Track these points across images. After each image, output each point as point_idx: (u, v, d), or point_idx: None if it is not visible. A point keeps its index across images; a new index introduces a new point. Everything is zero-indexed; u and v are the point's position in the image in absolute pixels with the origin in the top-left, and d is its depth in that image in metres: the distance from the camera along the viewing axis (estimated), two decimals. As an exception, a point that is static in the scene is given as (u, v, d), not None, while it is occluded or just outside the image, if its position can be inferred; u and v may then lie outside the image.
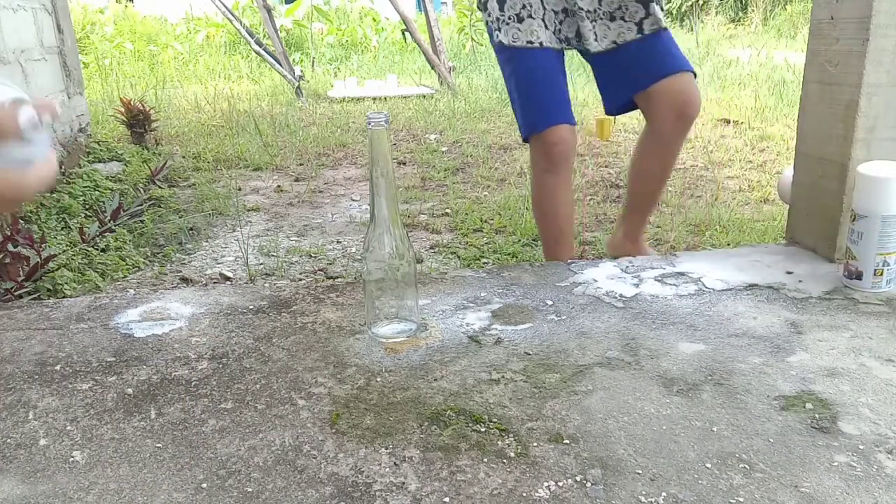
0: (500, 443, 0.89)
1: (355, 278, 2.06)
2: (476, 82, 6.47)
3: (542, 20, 1.34)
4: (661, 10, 1.45)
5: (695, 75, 1.54)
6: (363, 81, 6.46)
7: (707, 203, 2.88)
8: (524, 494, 0.80)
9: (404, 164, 3.69)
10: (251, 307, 1.31)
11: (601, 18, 1.38)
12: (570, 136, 1.42)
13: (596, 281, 1.39)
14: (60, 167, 2.71)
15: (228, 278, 2.24)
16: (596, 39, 1.39)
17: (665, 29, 1.46)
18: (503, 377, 1.04)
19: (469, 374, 1.05)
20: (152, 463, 0.87)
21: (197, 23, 9.55)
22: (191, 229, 2.68)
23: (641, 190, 1.67)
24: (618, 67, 1.46)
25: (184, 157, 3.89)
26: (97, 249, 2.28)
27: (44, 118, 0.67)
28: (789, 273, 1.42)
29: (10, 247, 1.79)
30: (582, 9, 1.36)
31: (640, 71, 1.45)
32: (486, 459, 0.86)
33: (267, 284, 1.40)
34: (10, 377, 1.08)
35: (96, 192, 2.80)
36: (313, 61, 7.97)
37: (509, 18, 1.38)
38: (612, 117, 4.46)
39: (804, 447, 0.87)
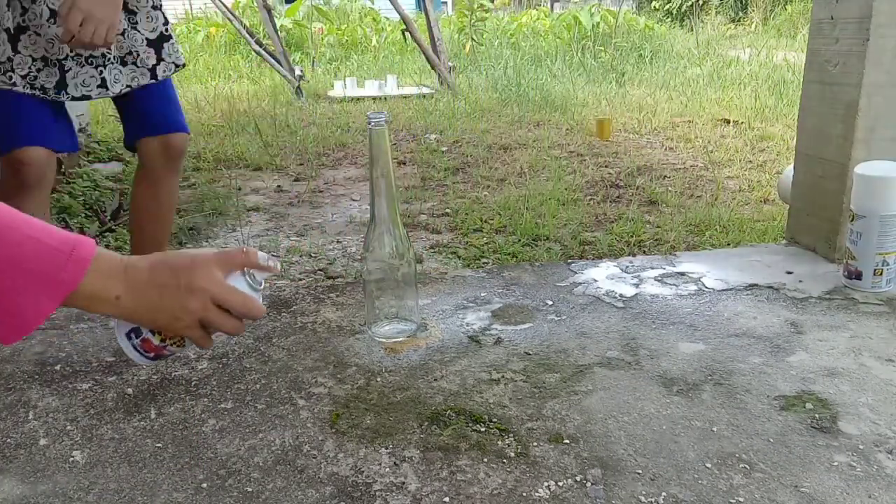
0: (500, 443, 0.89)
1: (355, 278, 2.06)
2: (476, 82, 6.47)
3: (19, 66, 1.39)
4: (176, 51, 1.54)
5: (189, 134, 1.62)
6: (363, 81, 6.46)
7: (707, 203, 2.88)
8: (524, 494, 0.80)
9: (404, 164, 3.69)
10: (251, 307, 1.30)
11: (112, 63, 1.45)
12: (42, 159, 1.43)
13: (596, 281, 1.39)
14: (60, 167, 2.71)
15: (228, 278, 2.24)
16: (106, 86, 1.45)
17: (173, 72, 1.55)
18: (503, 377, 1.04)
19: (469, 374, 1.05)
20: (152, 463, 0.87)
21: (197, 23, 9.55)
22: (191, 229, 2.68)
23: (141, 227, 1.70)
24: (134, 109, 1.55)
25: (184, 156, 3.88)
26: (97, 249, 2.27)
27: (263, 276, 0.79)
28: (789, 273, 1.42)
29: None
30: (79, 55, 1.41)
31: (150, 118, 1.55)
32: (486, 459, 0.86)
33: (267, 284, 1.40)
34: (10, 377, 1.08)
35: (96, 192, 2.80)
36: (313, 61, 7.97)
37: None
38: (611, 117, 4.46)
39: (804, 447, 0.87)
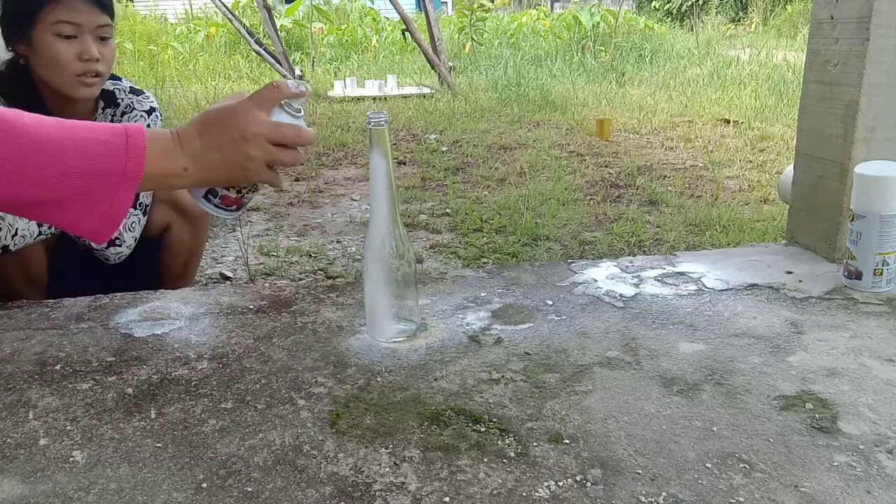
0: (500, 443, 0.89)
1: (355, 278, 2.06)
2: (476, 82, 6.47)
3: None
4: None
5: None
6: (363, 81, 6.46)
7: (707, 203, 2.88)
8: (524, 494, 0.80)
9: (404, 164, 3.69)
10: (251, 307, 1.30)
11: None
12: None
13: (596, 281, 1.39)
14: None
15: (228, 278, 2.25)
16: None
17: None
18: (503, 377, 1.04)
19: (469, 374, 1.05)
20: (152, 463, 0.87)
21: (197, 22, 9.55)
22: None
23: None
24: None
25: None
26: (97, 249, 2.28)
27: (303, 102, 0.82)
28: (789, 273, 1.42)
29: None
30: None
31: None
32: (486, 459, 0.86)
33: (267, 284, 1.40)
34: (10, 377, 1.08)
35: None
36: (313, 61, 7.97)
37: None
38: (611, 117, 4.46)
39: (804, 447, 0.87)
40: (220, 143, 0.75)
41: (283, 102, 0.80)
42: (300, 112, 0.81)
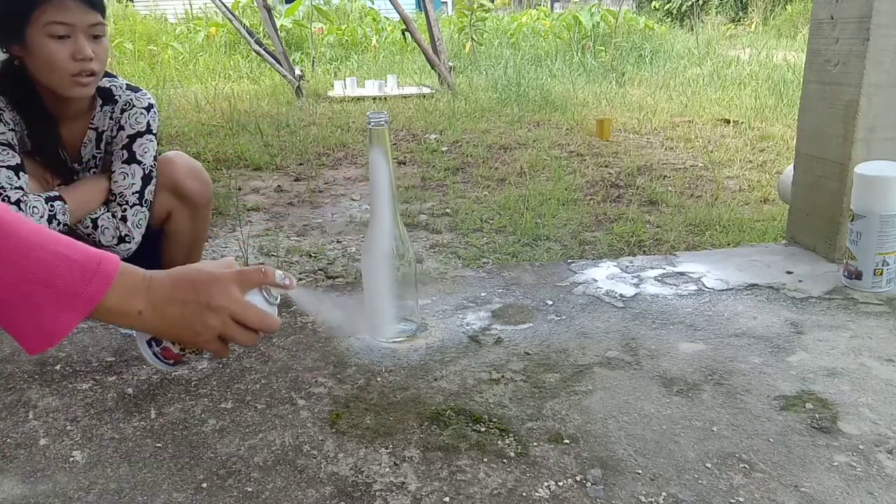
0: (500, 443, 0.89)
1: (355, 278, 2.06)
2: (476, 82, 6.47)
3: None
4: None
5: None
6: (363, 81, 6.46)
7: (707, 203, 2.88)
8: (524, 494, 0.80)
9: (404, 163, 3.69)
10: (251, 307, 1.30)
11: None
12: None
13: (596, 281, 1.39)
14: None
15: (228, 278, 2.24)
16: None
17: None
18: (503, 377, 1.04)
19: (469, 374, 1.05)
20: (152, 463, 0.87)
21: (197, 23, 9.55)
22: (191, 229, 2.68)
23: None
24: None
25: (184, 156, 3.88)
26: (97, 249, 2.27)
27: (278, 292, 0.83)
28: (789, 273, 1.42)
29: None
30: None
31: None
32: (486, 459, 0.86)
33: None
34: (10, 377, 1.08)
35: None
36: (313, 61, 7.97)
37: None
38: (611, 117, 4.46)
39: (804, 447, 0.87)
40: (185, 301, 0.76)
41: (262, 287, 0.81)
42: (276, 300, 0.82)
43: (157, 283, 0.75)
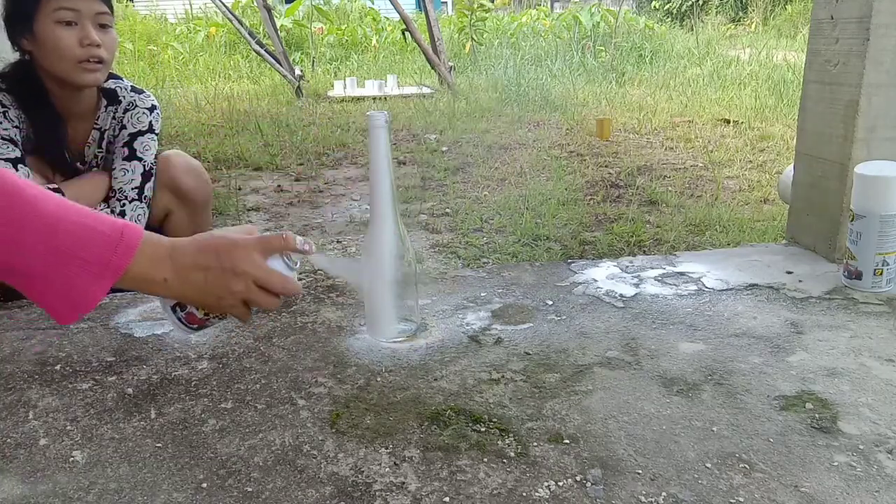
0: (500, 443, 0.89)
1: (355, 278, 2.06)
2: (476, 82, 6.47)
3: None
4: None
5: None
6: (363, 81, 6.46)
7: (707, 203, 2.88)
8: (524, 494, 0.80)
9: (404, 164, 3.69)
10: (251, 307, 1.30)
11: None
12: None
13: (596, 281, 1.39)
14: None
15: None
16: None
17: None
18: (503, 377, 1.04)
19: (469, 374, 1.05)
20: (152, 463, 0.87)
21: (197, 23, 9.55)
22: (191, 229, 2.68)
23: None
24: None
25: (184, 156, 3.88)
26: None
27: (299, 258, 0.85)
28: (789, 273, 1.42)
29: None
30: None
31: None
32: (486, 459, 0.86)
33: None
34: (10, 377, 1.08)
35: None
36: (313, 61, 7.97)
37: None
38: (611, 117, 4.46)
39: (804, 447, 0.87)
40: (209, 267, 0.77)
41: (283, 252, 0.82)
42: (296, 265, 0.84)
43: (181, 251, 0.76)
